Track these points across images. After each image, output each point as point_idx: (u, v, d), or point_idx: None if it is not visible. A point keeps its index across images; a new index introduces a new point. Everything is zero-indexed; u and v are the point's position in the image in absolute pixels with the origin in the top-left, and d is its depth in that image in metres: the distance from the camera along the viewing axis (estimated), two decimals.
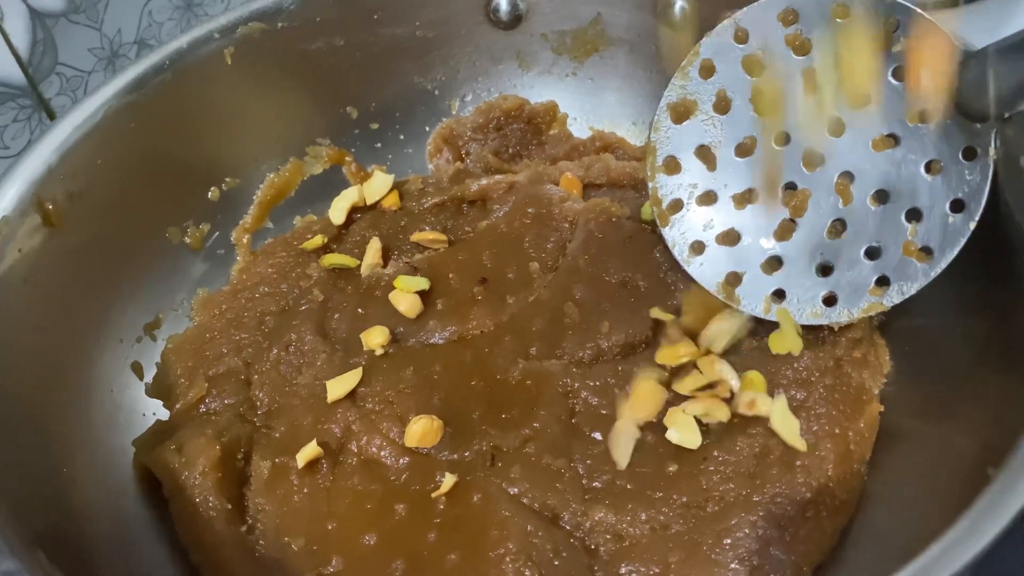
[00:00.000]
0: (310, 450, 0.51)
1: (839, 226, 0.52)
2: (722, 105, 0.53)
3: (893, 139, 0.50)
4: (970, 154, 0.47)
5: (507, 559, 0.46)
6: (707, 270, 0.54)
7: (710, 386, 0.51)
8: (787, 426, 0.49)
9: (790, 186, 0.53)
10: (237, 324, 0.61)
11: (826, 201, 0.52)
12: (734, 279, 0.54)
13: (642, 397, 0.51)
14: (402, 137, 0.72)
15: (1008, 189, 0.46)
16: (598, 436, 0.51)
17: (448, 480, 0.49)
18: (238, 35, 0.62)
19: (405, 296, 0.59)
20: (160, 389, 0.58)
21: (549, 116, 0.72)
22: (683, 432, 0.49)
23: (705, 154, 0.54)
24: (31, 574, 0.36)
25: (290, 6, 0.63)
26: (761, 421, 0.50)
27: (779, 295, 0.53)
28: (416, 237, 0.64)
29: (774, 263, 0.53)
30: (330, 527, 0.49)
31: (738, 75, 0.52)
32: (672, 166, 0.55)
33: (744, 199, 0.54)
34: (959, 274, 0.48)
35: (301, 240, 0.65)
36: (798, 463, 0.48)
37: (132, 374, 0.58)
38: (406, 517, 0.48)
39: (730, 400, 0.51)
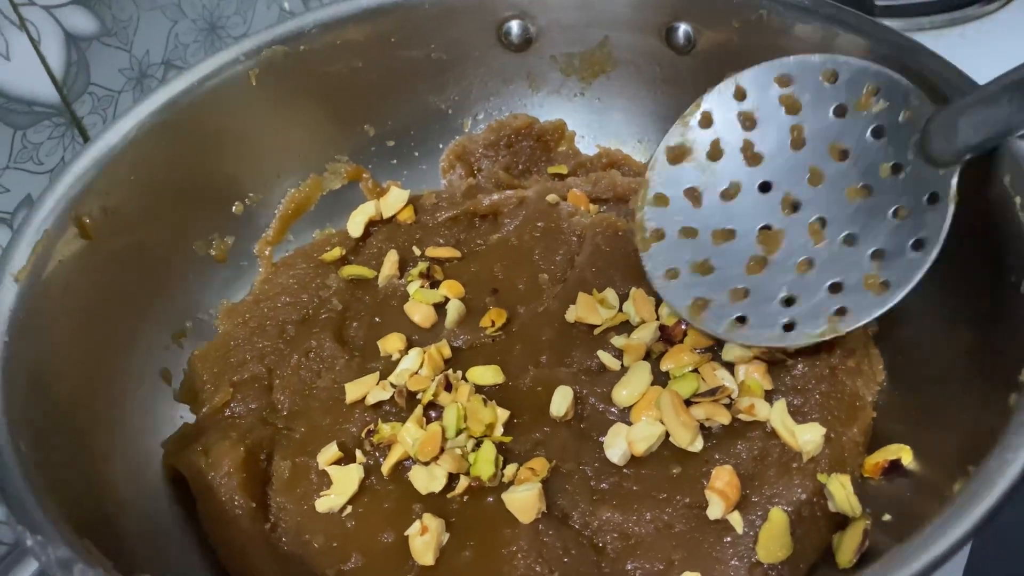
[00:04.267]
0: (331, 453, 0.53)
1: (807, 264, 0.53)
2: (715, 153, 0.55)
3: (867, 190, 0.51)
4: (933, 199, 0.49)
5: (519, 556, 0.47)
6: (678, 294, 0.55)
7: (711, 392, 0.52)
8: (787, 427, 0.50)
9: (766, 228, 0.54)
10: (260, 332, 0.62)
11: (798, 242, 0.53)
12: (702, 303, 0.54)
13: (647, 403, 0.52)
14: (417, 154, 0.73)
15: (994, 210, 0.48)
16: (605, 440, 0.52)
17: (463, 481, 0.51)
18: (262, 58, 0.63)
19: (420, 306, 0.60)
20: (187, 394, 0.60)
21: (558, 134, 0.73)
22: (686, 436, 0.50)
23: (692, 194, 0.55)
24: (83, 560, 0.38)
25: (311, 30, 0.64)
26: (759, 425, 0.51)
27: (741, 320, 0.54)
28: (431, 253, 0.65)
29: (740, 293, 0.54)
30: (349, 525, 0.50)
31: (733, 128, 0.54)
32: (661, 200, 0.56)
33: (722, 236, 0.55)
34: (949, 290, 0.49)
35: (320, 252, 0.66)
36: (795, 466, 0.49)
37: (161, 380, 0.59)
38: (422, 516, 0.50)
39: (730, 405, 0.52)
